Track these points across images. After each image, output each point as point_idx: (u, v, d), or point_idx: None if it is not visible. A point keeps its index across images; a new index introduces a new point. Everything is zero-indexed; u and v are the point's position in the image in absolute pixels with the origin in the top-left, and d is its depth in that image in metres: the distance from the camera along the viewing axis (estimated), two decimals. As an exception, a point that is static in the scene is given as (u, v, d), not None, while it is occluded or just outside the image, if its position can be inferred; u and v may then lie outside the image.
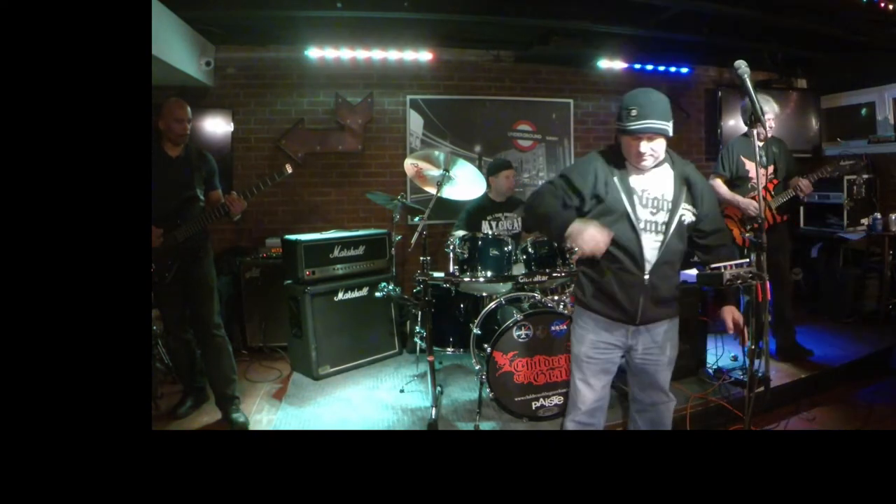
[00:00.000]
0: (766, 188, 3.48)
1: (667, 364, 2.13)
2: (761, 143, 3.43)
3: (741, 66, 1.98)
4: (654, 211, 1.97)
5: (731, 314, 2.09)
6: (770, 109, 3.37)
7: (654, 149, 1.91)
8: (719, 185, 3.51)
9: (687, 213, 1.99)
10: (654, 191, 1.98)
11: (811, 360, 3.67)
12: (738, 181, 3.49)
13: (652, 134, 1.88)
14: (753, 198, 3.46)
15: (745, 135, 3.52)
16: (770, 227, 3.47)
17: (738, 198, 3.45)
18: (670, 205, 1.97)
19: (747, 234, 2.26)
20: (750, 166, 3.44)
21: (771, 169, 3.47)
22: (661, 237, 1.97)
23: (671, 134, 1.91)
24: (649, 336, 2.07)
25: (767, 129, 3.37)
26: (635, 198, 1.96)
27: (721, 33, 4.36)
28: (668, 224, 1.97)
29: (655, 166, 1.98)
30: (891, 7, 3.88)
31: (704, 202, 2.02)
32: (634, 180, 1.98)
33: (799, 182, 3.42)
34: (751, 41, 4.56)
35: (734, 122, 5.32)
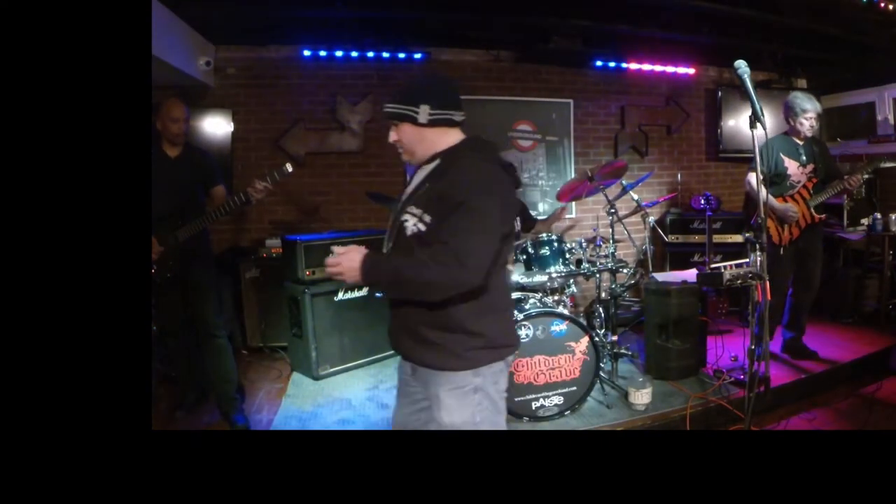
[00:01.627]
0: (804, 187, 3.46)
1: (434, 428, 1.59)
2: (802, 143, 3.43)
3: (741, 66, 1.98)
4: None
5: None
6: (812, 108, 3.34)
7: (397, 136, 1.62)
8: (755, 182, 3.48)
9: (412, 221, 1.52)
10: (407, 193, 1.64)
11: (812, 360, 3.68)
12: (775, 178, 3.45)
13: (392, 119, 1.61)
14: (792, 196, 3.45)
15: (786, 133, 3.48)
16: (808, 226, 3.46)
17: (775, 204, 3.40)
18: (399, 210, 1.59)
19: (747, 234, 2.21)
20: (789, 164, 3.41)
21: (810, 168, 3.44)
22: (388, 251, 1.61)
23: (420, 120, 1.56)
24: (417, 376, 1.65)
25: (804, 128, 3.36)
26: (400, 204, 1.65)
27: (721, 33, 4.36)
28: (390, 235, 1.62)
29: (427, 163, 1.62)
30: (891, 7, 3.89)
31: (444, 211, 1.46)
32: (413, 182, 1.66)
33: (851, 178, 3.38)
34: (751, 41, 4.56)
35: (734, 122, 5.33)
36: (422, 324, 1.55)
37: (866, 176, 3.54)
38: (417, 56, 4.51)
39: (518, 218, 4.14)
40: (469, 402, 1.56)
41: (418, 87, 1.61)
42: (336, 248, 1.53)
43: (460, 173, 1.50)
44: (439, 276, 1.42)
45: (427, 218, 1.50)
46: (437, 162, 1.59)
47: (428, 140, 1.60)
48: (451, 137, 1.62)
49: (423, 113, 1.56)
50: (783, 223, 3.44)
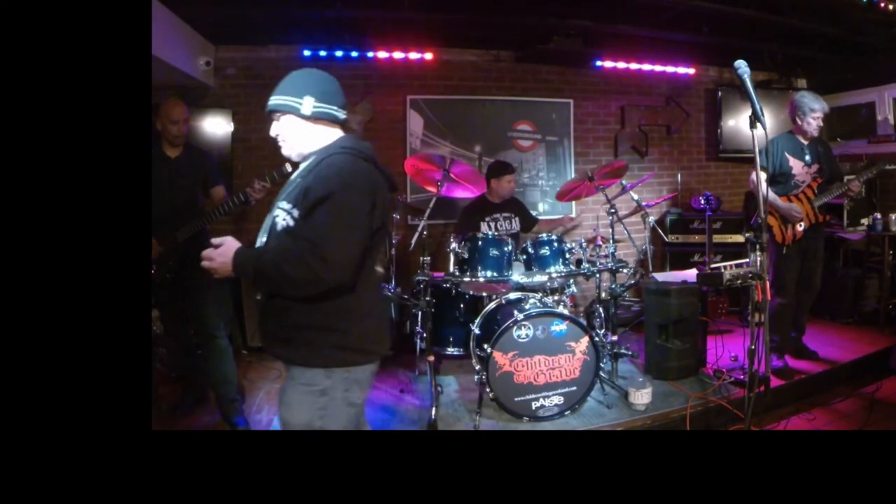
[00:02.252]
0: (809, 186, 3.44)
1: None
2: (807, 143, 3.42)
3: (741, 66, 1.98)
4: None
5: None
6: (820, 108, 3.32)
7: (278, 130, 1.60)
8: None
9: (281, 216, 1.50)
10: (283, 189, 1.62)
11: (812, 360, 3.67)
12: (780, 177, 3.42)
13: (274, 112, 1.59)
14: (797, 196, 3.43)
15: (791, 132, 3.46)
16: (811, 226, 3.44)
17: (778, 202, 3.37)
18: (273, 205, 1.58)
19: (747, 234, 2.20)
20: (794, 164, 3.39)
21: (815, 168, 3.42)
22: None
23: (303, 111, 1.55)
24: (289, 374, 1.58)
25: (811, 127, 3.34)
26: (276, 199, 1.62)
27: (721, 33, 4.36)
28: (264, 229, 1.58)
29: (306, 159, 1.60)
30: (891, 7, 3.88)
31: (310, 205, 1.43)
32: (291, 178, 1.64)
33: (850, 184, 3.39)
34: (751, 41, 4.56)
35: (734, 122, 5.33)
36: (284, 317, 1.51)
37: (868, 177, 3.52)
38: (417, 56, 4.52)
39: (517, 218, 4.16)
40: (311, 404, 1.48)
41: (302, 80, 1.60)
42: (214, 240, 1.51)
43: (329, 168, 1.48)
44: (298, 271, 1.38)
45: (295, 213, 1.47)
46: (312, 158, 1.58)
47: (309, 134, 1.59)
48: (331, 135, 1.60)
49: (307, 105, 1.55)
50: (787, 222, 3.42)
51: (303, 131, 1.58)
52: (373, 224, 1.50)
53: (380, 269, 1.65)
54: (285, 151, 1.62)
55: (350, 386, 1.52)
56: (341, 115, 1.61)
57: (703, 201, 4.45)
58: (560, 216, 4.75)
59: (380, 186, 1.55)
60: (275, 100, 1.59)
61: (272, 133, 1.61)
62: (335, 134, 1.61)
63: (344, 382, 1.51)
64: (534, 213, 4.42)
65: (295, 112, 1.56)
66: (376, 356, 1.59)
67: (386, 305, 1.70)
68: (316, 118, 1.57)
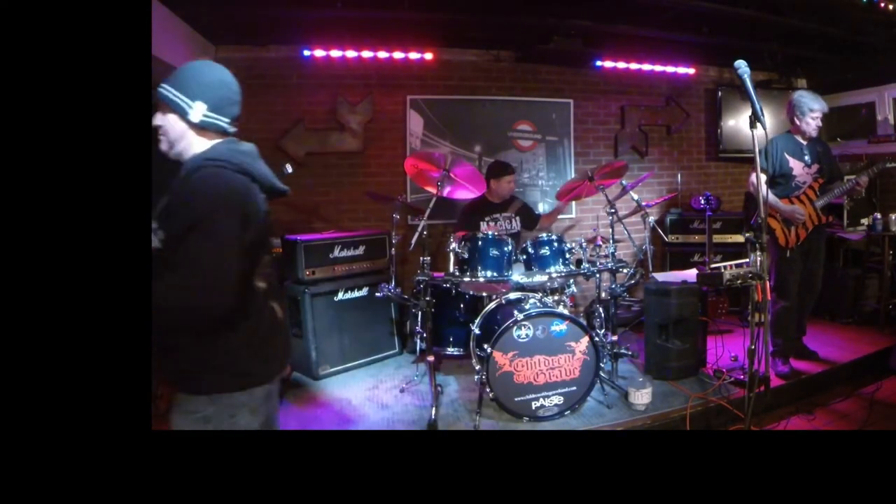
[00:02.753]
0: (810, 187, 3.42)
1: None
2: (806, 143, 3.40)
3: (741, 66, 1.98)
4: None
5: None
6: (819, 108, 3.30)
7: (161, 123, 1.46)
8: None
9: (158, 235, 1.38)
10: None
11: (812, 360, 3.67)
12: (780, 178, 3.39)
13: (162, 102, 1.45)
14: (798, 198, 3.41)
15: (790, 132, 3.44)
16: (814, 227, 3.42)
17: (780, 205, 3.34)
18: None
19: (747, 234, 2.20)
20: (794, 164, 3.36)
21: (815, 168, 3.40)
22: None
23: (191, 117, 1.43)
24: (177, 398, 1.48)
25: (809, 127, 3.32)
26: None
27: (721, 33, 4.36)
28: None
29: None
30: (891, 7, 3.88)
31: (180, 228, 1.32)
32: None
33: (860, 178, 3.37)
34: (751, 41, 4.56)
35: (734, 122, 5.34)
36: (163, 344, 1.39)
37: (875, 172, 3.49)
38: (417, 56, 4.52)
39: (518, 217, 4.16)
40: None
41: (202, 80, 1.47)
42: None
43: (193, 187, 1.34)
44: (183, 302, 1.28)
45: (161, 234, 1.35)
46: (182, 170, 1.42)
47: (190, 140, 1.46)
48: (210, 144, 1.47)
49: (197, 111, 1.43)
50: (790, 225, 3.38)
51: (184, 135, 1.46)
52: (246, 241, 1.37)
53: (262, 284, 1.50)
54: (162, 147, 1.49)
55: (236, 411, 1.44)
56: (231, 129, 1.50)
57: (703, 201, 4.45)
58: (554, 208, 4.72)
59: (253, 199, 1.42)
60: (165, 91, 1.45)
61: (154, 122, 1.47)
62: (214, 142, 1.48)
63: (229, 408, 1.42)
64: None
65: (182, 114, 1.44)
66: (262, 378, 1.48)
67: (275, 322, 1.55)
68: (202, 127, 1.45)
